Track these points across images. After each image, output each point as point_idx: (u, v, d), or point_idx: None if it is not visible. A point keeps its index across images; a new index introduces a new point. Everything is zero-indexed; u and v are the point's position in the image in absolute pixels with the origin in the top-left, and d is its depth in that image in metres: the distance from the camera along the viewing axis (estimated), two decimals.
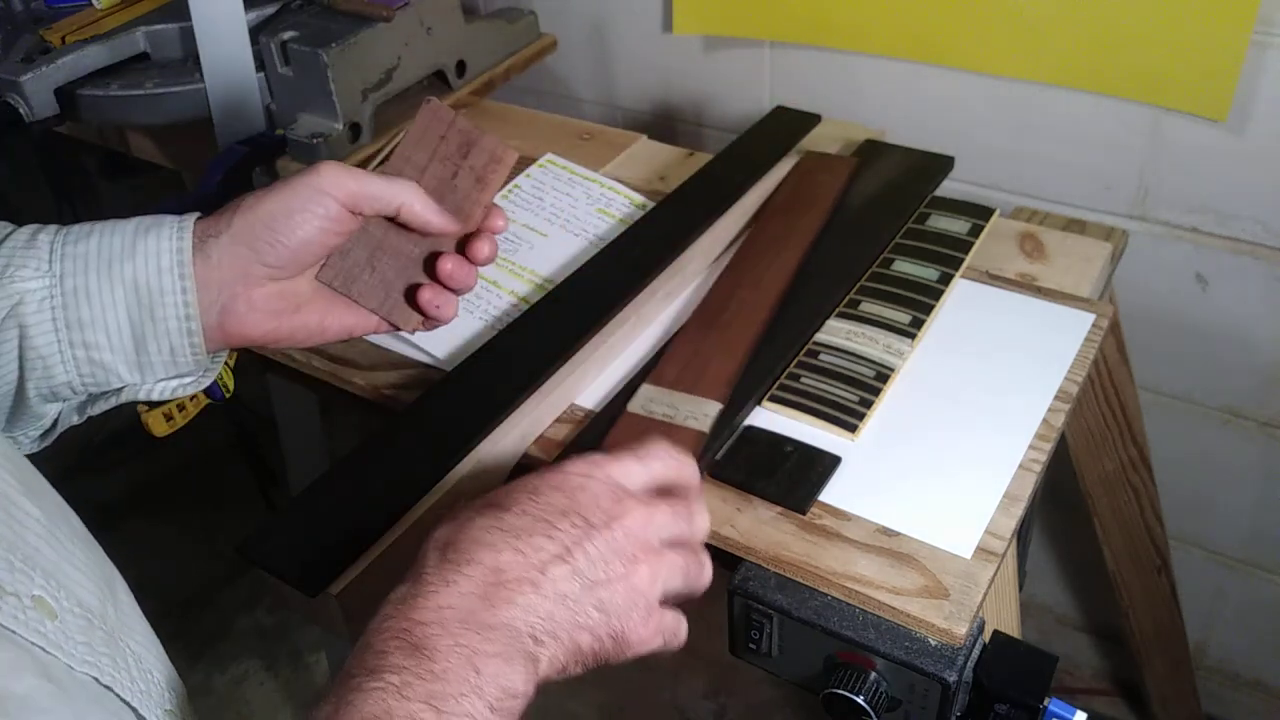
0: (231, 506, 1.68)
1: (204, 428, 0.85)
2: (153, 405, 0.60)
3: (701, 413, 0.63)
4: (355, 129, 0.96)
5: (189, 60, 0.98)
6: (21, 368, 0.52)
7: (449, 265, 0.58)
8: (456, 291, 0.60)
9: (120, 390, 0.55)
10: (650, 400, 0.65)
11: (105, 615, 0.41)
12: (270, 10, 0.99)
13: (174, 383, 0.56)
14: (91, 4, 1.04)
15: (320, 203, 0.53)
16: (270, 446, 1.36)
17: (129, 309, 0.52)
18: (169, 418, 0.80)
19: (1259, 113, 0.89)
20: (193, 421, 0.81)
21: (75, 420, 0.57)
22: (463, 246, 0.61)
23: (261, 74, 0.95)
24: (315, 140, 0.93)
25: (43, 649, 0.37)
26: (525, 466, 0.67)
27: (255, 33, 0.94)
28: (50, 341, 0.52)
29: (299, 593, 0.57)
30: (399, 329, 0.61)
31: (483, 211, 0.61)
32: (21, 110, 0.94)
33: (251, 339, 0.56)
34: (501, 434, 0.66)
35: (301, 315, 0.57)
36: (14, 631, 0.36)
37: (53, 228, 0.53)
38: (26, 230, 0.53)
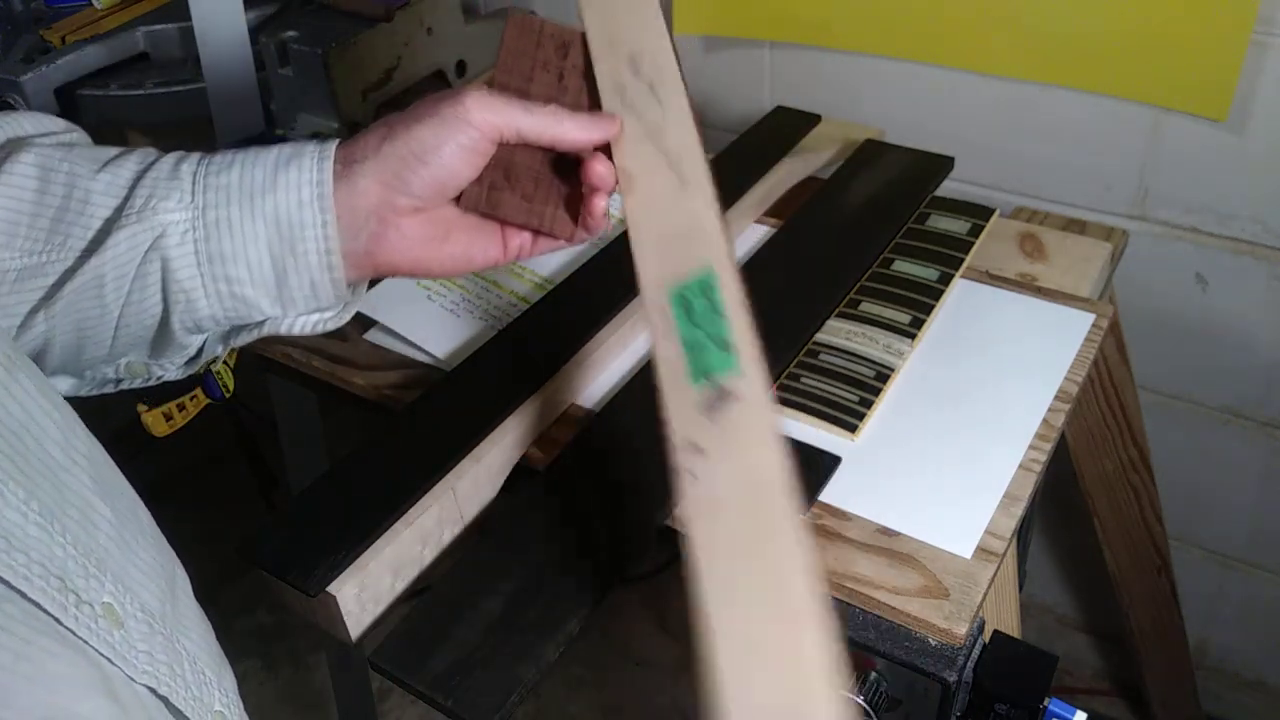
0: (231, 506, 1.68)
1: (204, 428, 0.85)
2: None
3: None
4: (355, 129, 0.96)
5: (189, 60, 0.98)
6: (165, 300, 0.51)
7: (600, 168, 0.53)
8: (606, 193, 0.56)
9: (262, 323, 0.54)
10: None
11: (165, 616, 0.42)
12: (270, 10, 0.99)
13: (314, 317, 0.55)
14: (91, 4, 1.04)
15: (466, 133, 0.51)
16: (270, 446, 1.36)
17: (270, 243, 0.51)
18: (169, 418, 0.80)
19: (1259, 113, 0.89)
20: (193, 421, 0.81)
21: (219, 351, 0.56)
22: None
23: (261, 74, 0.96)
24: (315, 140, 0.93)
25: (109, 660, 0.37)
26: (525, 467, 0.68)
27: (255, 33, 0.95)
28: (193, 275, 0.51)
29: (299, 593, 0.57)
30: (556, 237, 0.57)
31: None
32: (21, 110, 0.94)
33: (399, 267, 0.54)
34: (501, 434, 0.66)
35: (450, 244, 0.55)
36: (86, 642, 0.36)
37: (195, 157, 0.52)
38: (170, 160, 0.52)
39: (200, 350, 0.56)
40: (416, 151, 0.51)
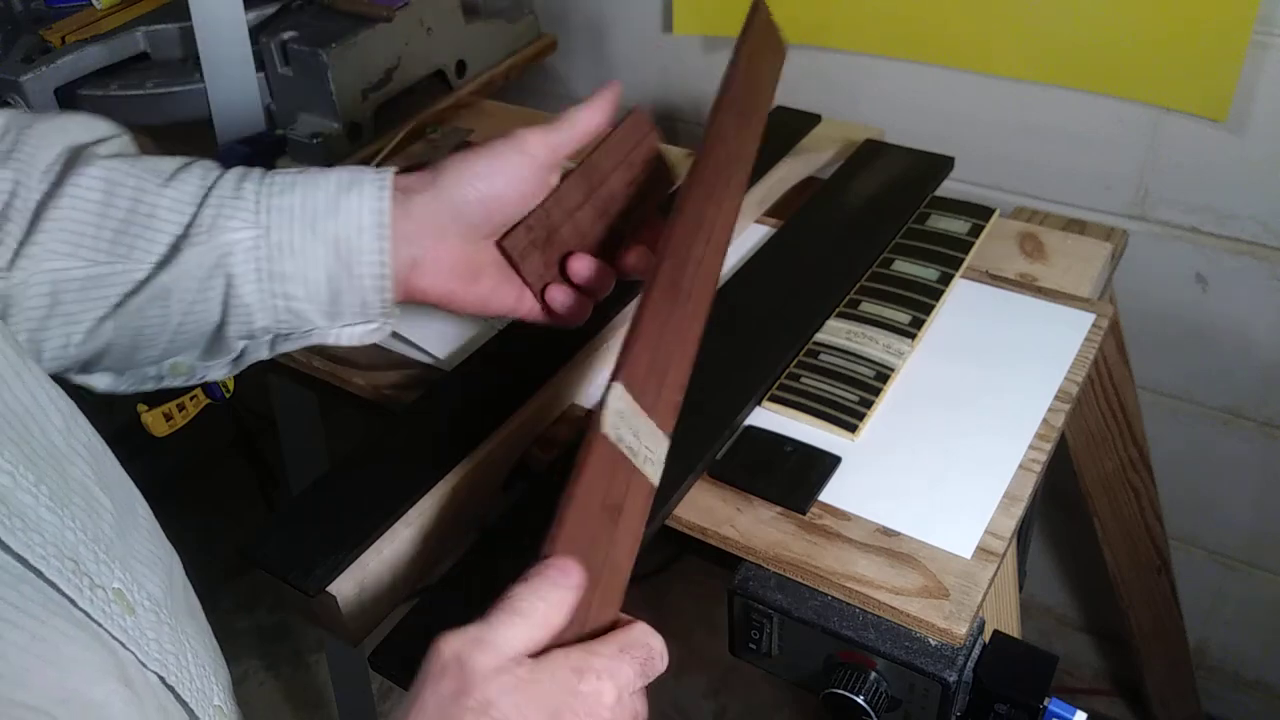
0: (231, 506, 1.69)
1: (204, 428, 0.85)
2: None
3: (658, 454, 0.51)
4: (355, 129, 0.96)
5: (189, 60, 0.98)
6: (224, 311, 0.54)
7: (579, 266, 0.61)
8: (590, 295, 0.63)
9: (310, 332, 0.57)
10: (620, 418, 0.49)
11: (168, 607, 0.43)
12: (270, 10, 0.99)
13: (359, 329, 0.58)
14: (91, 4, 1.04)
15: (518, 161, 0.57)
16: (270, 446, 1.36)
17: (328, 264, 0.54)
18: (169, 418, 0.80)
19: (1259, 113, 0.89)
20: (193, 421, 0.81)
21: (264, 354, 0.59)
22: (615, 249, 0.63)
23: (261, 74, 0.95)
24: (315, 140, 0.93)
25: (122, 645, 0.38)
26: (525, 467, 0.68)
27: (255, 33, 0.94)
28: (253, 290, 0.54)
29: (299, 593, 0.57)
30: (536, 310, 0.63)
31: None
32: (21, 110, 0.94)
33: (429, 296, 0.58)
34: (501, 434, 0.66)
35: (477, 285, 0.59)
36: (101, 626, 0.37)
37: (257, 175, 0.55)
38: (232, 178, 0.55)
39: (243, 353, 0.58)
40: (470, 175, 0.56)
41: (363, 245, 0.54)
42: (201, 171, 0.55)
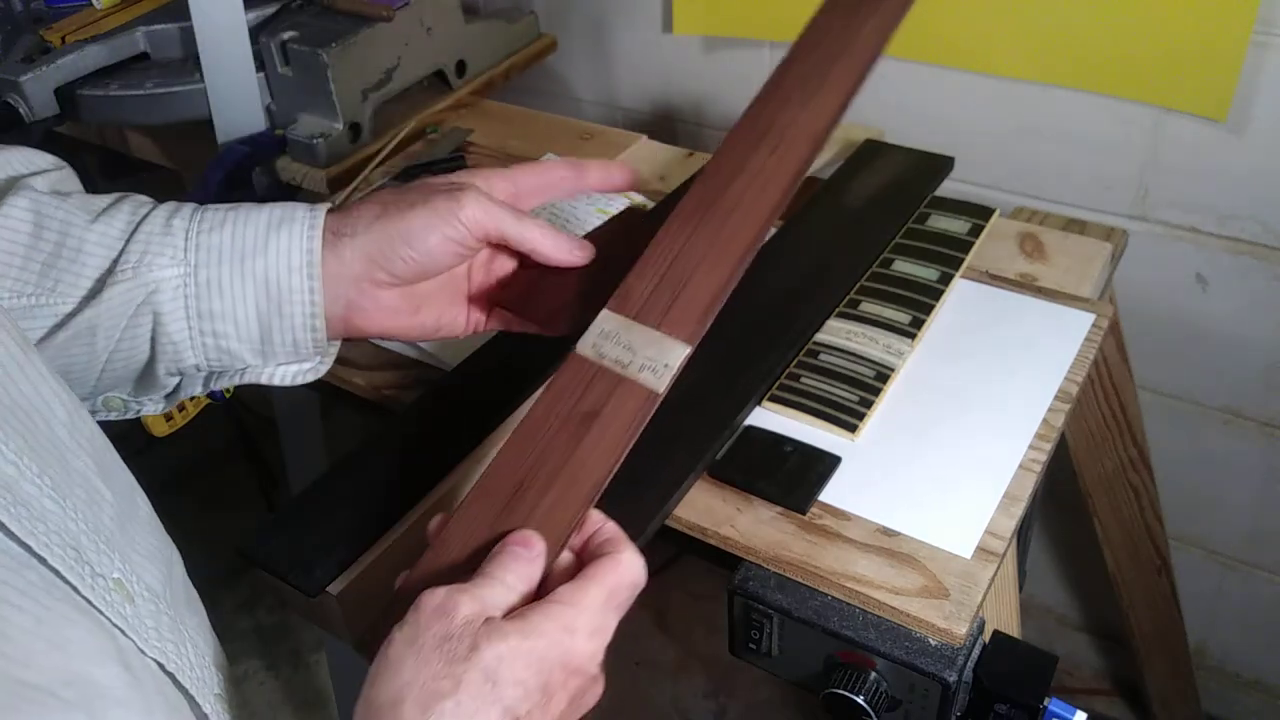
0: (231, 506, 1.69)
1: (204, 428, 0.85)
2: (270, 387, 0.60)
3: (661, 362, 0.50)
4: (355, 129, 0.96)
5: (189, 60, 0.98)
6: (153, 348, 0.54)
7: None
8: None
9: (244, 370, 0.57)
10: (605, 337, 0.52)
11: (167, 598, 0.43)
12: (270, 10, 0.99)
13: (293, 368, 0.58)
14: (91, 4, 1.04)
15: (455, 229, 0.54)
16: (270, 446, 1.36)
17: (258, 302, 0.54)
18: (169, 418, 0.80)
19: (1259, 113, 0.89)
20: (193, 421, 0.81)
21: (198, 390, 0.59)
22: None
23: (261, 74, 0.95)
24: (315, 140, 0.93)
25: (122, 631, 0.38)
26: None
27: (255, 33, 0.94)
28: (181, 329, 0.53)
29: (299, 593, 0.57)
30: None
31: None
32: (21, 110, 0.94)
33: (369, 333, 0.58)
34: (501, 434, 0.66)
35: (420, 316, 0.58)
36: (101, 613, 0.37)
37: (187, 211, 0.54)
38: (162, 213, 0.54)
39: (178, 388, 0.58)
40: (405, 235, 0.54)
41: (292, 285, 0.54)
42: (131, 207, 0.54)
